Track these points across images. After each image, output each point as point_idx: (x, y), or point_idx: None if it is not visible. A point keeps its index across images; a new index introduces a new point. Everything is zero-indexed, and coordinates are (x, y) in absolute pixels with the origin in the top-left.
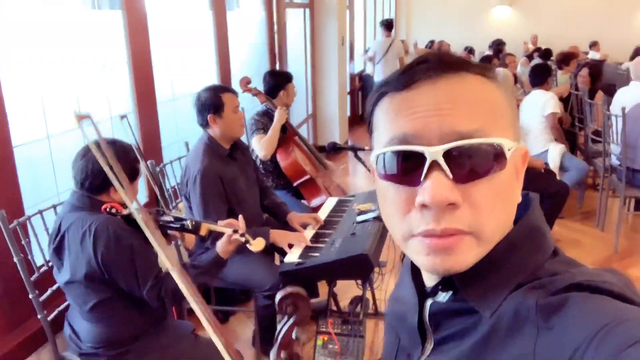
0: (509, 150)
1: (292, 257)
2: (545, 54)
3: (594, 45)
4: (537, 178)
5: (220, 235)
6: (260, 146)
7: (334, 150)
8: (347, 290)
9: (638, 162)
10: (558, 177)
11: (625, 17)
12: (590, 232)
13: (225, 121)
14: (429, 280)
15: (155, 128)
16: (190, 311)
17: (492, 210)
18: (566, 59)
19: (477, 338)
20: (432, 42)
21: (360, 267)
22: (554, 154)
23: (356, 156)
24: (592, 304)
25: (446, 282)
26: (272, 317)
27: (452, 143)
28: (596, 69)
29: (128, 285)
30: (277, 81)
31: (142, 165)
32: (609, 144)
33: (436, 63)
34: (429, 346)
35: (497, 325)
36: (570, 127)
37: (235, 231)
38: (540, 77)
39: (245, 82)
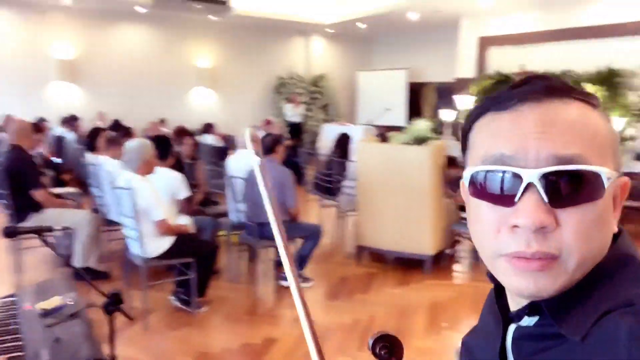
0: (608, 179)
1: None
2: (115, 126)
3: (162, 121)
4: (190, 242)
5: None
6: None
7: (14, 235)
8: None
9: (262, 216)
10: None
11: (181, 96)
12: (235, 287)
13: None
14: (515, 304)
15: None
16: None
17: (584, 237)
18: (181, 132)
19: None
20: None
21: None
22: (184, 220)
23: (43, 239)
24: None
25: (533, 307)
26: None
27: (550, 167)
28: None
29: None
30: None
31: None
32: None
33: (540, 86)
34: None
35: (587, 351)
36: None
37: None
38: (165, 150)
39: None
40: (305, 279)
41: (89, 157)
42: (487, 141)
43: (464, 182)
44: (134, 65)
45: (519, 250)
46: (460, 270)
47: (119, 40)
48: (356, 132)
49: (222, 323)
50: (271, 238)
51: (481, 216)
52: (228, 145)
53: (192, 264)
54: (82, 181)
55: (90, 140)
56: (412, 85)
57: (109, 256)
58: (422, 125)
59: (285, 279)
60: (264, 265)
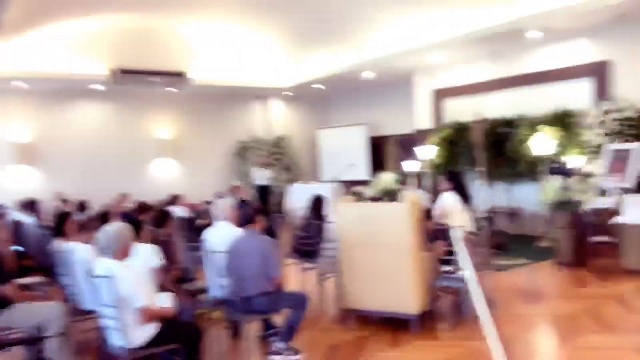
0: None
1: None
2: (81, 207)
3: (124, 196)
4: (175, 326)
5: None
6: None
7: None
8: None
9: (247, 290)
10: None
11: (142, 169)
12: None
13: None
14: None
15: None
16: None
17: None
18: (143, 208)
19: None
20: None
21: None
22: (165, 300)
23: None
24: None
25: None
26: None
27: None
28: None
29: None
30: None
31: None
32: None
33: None
34: None
35: None
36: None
37: None
38: (136, 229)
39: None
40: (295, 351)
41: (57, 243)
42: None
43: None
44: (93, 143)
45: None
46: (445, 328)
47: (76, 119)
48: (324, 190)
49: None
50: (257, 312)
51: None
52: (197, 215)
53: (179, 349)
54: (48, 269)
55: (58, 225)
56: (373, 139)
57: (82, 349)
58: (387, 178)
59: (277, 353)
60: (248, 342)
